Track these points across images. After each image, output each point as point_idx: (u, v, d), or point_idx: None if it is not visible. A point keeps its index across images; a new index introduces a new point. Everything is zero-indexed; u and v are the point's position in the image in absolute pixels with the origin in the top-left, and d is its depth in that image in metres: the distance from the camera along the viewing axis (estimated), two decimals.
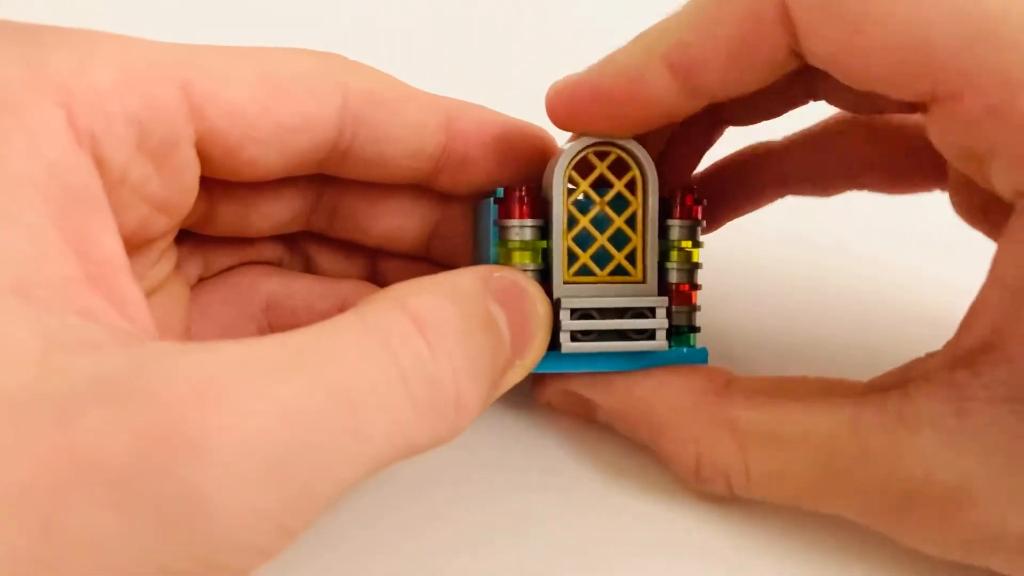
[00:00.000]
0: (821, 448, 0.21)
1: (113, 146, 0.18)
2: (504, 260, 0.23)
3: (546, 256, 0.23)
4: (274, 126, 0.20)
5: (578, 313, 0.22)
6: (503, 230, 0.23)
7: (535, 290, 0.22)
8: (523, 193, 0.23)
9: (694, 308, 0.24)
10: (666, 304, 0.23)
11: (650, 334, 0.23)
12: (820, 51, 0.19)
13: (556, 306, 0.23)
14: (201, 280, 0.25)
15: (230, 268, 0.26)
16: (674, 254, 0.23)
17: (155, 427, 0.14)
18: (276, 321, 0.25)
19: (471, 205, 0.26)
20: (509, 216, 0.23)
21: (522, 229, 0.23)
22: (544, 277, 0.23)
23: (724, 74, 0.20)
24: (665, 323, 0.23)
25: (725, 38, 0.20)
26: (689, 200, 0.23)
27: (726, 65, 0.20)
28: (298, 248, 0.27)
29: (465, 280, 0.20)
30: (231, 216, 0.24)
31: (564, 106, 0.22)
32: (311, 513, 0.16)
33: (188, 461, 0.14)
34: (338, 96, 0.21)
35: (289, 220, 0.25)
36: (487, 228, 0.24)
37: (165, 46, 0.19)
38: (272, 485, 0.15)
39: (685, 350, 0.24)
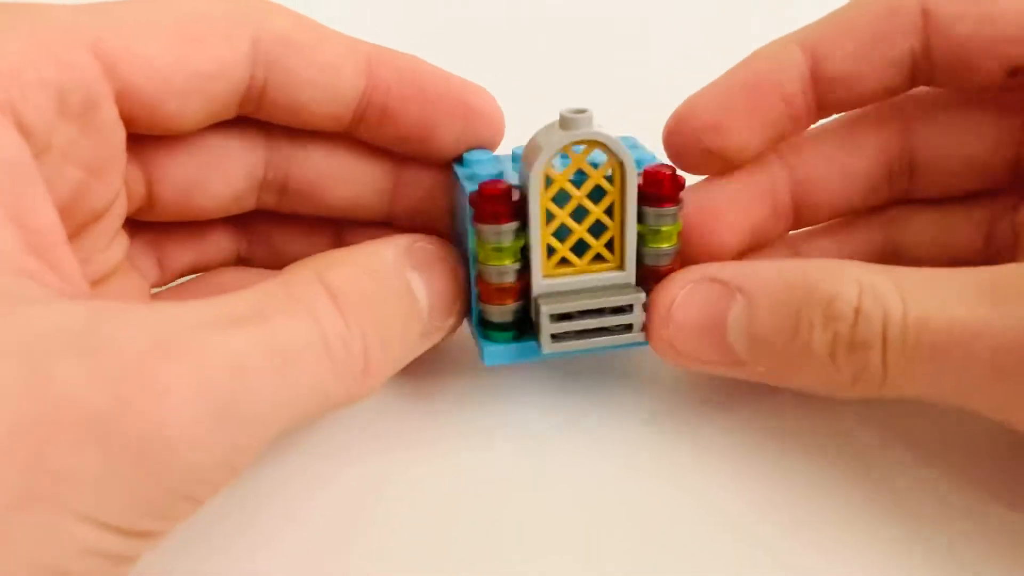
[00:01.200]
0: (980, 271, 0.20)
1: (34, 114, 0.18)
2: (484, 259, 0.23)
3: (525, 252, 0.23)
4: (189, 75, 0.21)
5: (558, 316, 0.22)
6: (480, 232, 0.22)
7: (453, 258, 0.23)
8: (497, 195, 0.22)
9: None
10: (643, 299, 0.23)
11: (628, 327, 0.23)
12: (960, 31, 0.23)
13: (536, 307, 0.23)
14: (184, 281, 0.26)
15: (205, 269, 0.26)
16: (651, 238, 0.23)
17: (127, 375, 0.16)
18: None
19: (446, 171, 0.25)
20: (484, 220, 0.22)
21: (499, 233, 0.22)
22: (524, 271, 0.23)
23: (852, 63, 0.23)
24: (642, 317, 0.23)
25: (859, 27, 0.23)
26: (667, 184, 0.23)
27: (855, 53, 0.23)
28: (257, 233, 0.26)
29: (387, 251, 0.22)
30: (174, 197, 0.23)
31: (693, 120, 0.24)
32: (251, 452, 0.18)
33: (157, 405, 0.16)
34: (248, 39, 0.21)
35: (236, 197, 0.24)
36: (463, 207, 0.23)
37: (74, 9, 0.20)
38: (223, 427, 0.17)
39: None
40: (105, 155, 0.21)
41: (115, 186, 0.22)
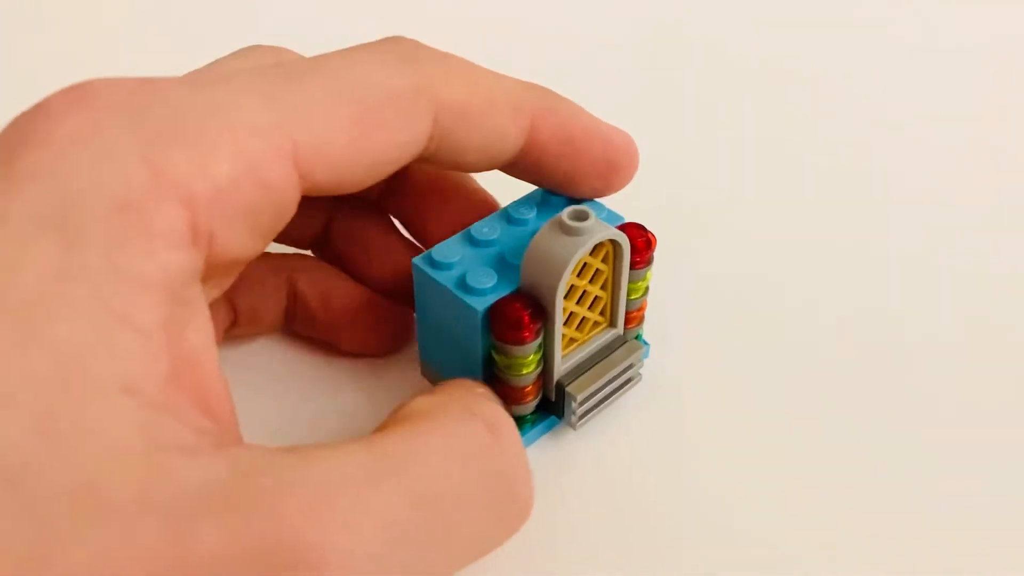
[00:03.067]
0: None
1: (228, 238, 0.18)
2: (507, 370, 0.23)
3: (545, 353, 0.24)
4: (369, 165, 0.20)
5: (587, 396, 0.24)
6: (505, 350, 0.23)
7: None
8: (525, 323, 0.22)
9: (642, 319, 0.26)
10: (644, 357, 0.25)
11: (632, 377, 0.26)
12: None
13: (562, 391, 0.24)
14: None
15: None
16: (630, 293, 0.25)
17: (271, 543, 0.15)
18: (232, 293, 0.26)
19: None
20: (511, 343, 0.22)
21: (525, 351, 0.23)
22: (544, 367, 0.24)
23: None
24: (642, 367, 0.25)
25: None
26: (642, 249, 0.24)
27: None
28: None
29: (486, 387, 0.23)
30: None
31: None
32: None
33: None
34: (430, 117, 0.21)
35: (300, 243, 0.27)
36: (455, 316, 0.23)
37: (270, 103, 0.18)
38: None
39: None
40: (260, 251, 0.20)
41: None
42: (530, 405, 0.24)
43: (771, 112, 0.40)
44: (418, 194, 0.25)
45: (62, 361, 0.15)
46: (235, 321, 0.26)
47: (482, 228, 0.24)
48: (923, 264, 0.32)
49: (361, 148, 0.20)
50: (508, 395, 0.24)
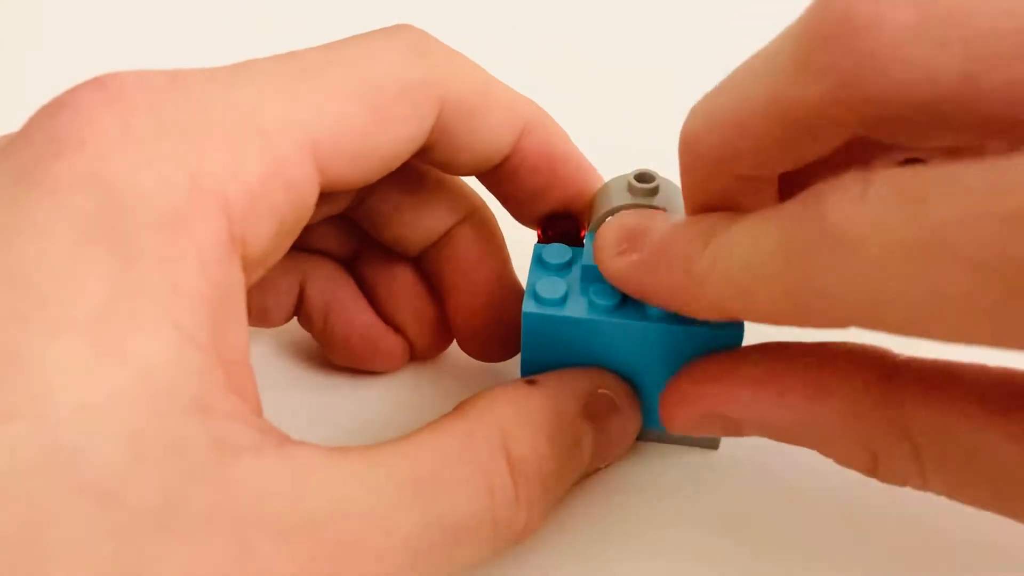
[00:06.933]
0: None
1: (256, 242, 0.18)
2: None
3: None
4: (381, 156, 0.20)
5: None
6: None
7: (630, 409, 0.22)
8: None
9: None
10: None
11: None
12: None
13: None
14: None
15: None
16: None
17: (319, 565, 0.16)
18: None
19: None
20: None
21: None
22: None
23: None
24: None
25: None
26: None
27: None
28: None
29: (570, 405, 0.21)
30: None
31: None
32: None
33: None
34: (436, 111, 0.21)
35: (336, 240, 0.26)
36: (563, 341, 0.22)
37: (291, 100, 0.19)
38: None
39: None
40: (284, 247, 0.20)
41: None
42: None
43: None
44: (458, 265, 0.25)
45: (143, 379, 0.15)
46: None
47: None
48: None
49: (374, 141, 0.20)
50: None
